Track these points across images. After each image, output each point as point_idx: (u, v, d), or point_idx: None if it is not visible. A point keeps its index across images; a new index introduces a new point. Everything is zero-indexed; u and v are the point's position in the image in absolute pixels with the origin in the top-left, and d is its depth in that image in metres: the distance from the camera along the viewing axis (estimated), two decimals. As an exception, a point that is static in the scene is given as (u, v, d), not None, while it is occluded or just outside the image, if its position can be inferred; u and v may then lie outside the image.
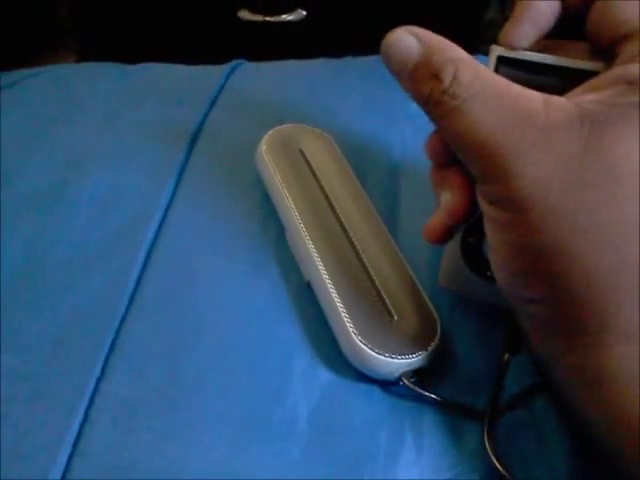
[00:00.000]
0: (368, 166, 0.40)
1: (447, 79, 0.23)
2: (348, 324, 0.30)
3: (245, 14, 1.04)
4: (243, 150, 0.39)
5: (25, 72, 0.52)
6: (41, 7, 1.38)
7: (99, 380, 0.30)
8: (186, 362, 0.30)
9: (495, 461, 0.26)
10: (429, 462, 0.27)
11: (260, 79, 0.49)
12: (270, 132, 0.38)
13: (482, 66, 0.24)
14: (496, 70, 0.28)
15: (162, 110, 0.44)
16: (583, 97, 0.23)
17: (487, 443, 0.27)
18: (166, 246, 0.35)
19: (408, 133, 0.43)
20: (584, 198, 0.22)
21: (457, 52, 0.24)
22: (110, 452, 0.28)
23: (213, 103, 0.44)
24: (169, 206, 0.37)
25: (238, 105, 0.45)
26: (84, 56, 1.24)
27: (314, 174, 0.36)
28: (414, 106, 0.44)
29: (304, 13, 1.05)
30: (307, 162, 0.37)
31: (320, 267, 0.31)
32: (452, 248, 0.30)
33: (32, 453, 0.28)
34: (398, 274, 0.32)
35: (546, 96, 0.23)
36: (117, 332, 0.31)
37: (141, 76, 0.49)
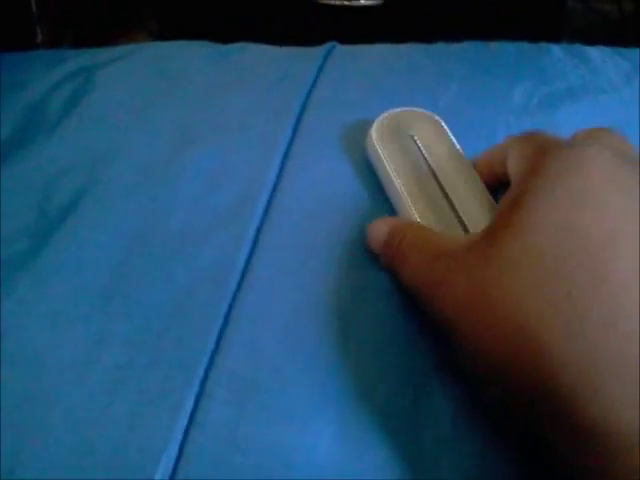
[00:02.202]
0: (467, 150, 0.39)
1: (395, 243, 0.31)
2: None
3: (324, -2, 1.04)
4: (350, 131, 0.39)
5: (120, 49, 0.53)
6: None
7: (214, 353, 0.30)
8: (301, 339, 0.30)
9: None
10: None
11: (357, 61, 0.49)
12: (379, 119, 0.38)
13: (429, 229, 0.31)
14: None
15: (264, 88, 0.44)
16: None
17: None
18: (276, 222, 0.35)
19: (512, 120, 0.42)
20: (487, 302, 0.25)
21: (413, 223, 0.33)
22: (225, 427, 0.28)
23: (314, 84, 0.44)
24: (277, 183, 0.37)
25: (339, 86, 0.45)
26: (160, 36, 1.26)
27: (426, 161, 0.36)
28: (517, 93, 0.45)
29: (383, -2, 1.05)
30: (419, 148, 0.36)
31: None
32: None
33: (151, 422, 0.28)
34: None
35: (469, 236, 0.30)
36: (230, 306, 0.32)
37: (239, 55, 0.50)
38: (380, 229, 0.32)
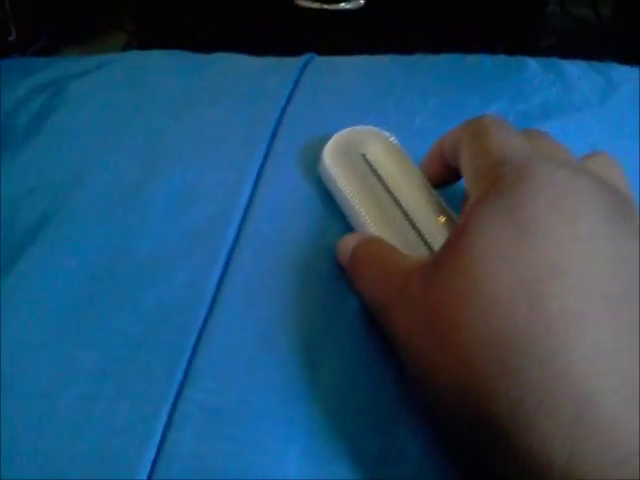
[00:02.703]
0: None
1: (355, 257, 0.31)
2: None
3: (303, 2, 1.03)
4: (323, 149, 0.39)
5: (93, 60, 0.52)
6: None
7: (182, 385, 0.30)
8: (272, 368, 0.30)
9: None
10: None
11: (334, 75, 0.49)
12: (330, 141, 0.37)
13: (385, 243, 0.31)
14: None
15: (239, 104, 0.44)
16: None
17: None
18: (247, 246, 0.35)
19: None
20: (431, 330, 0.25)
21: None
22: (194, 459, 0.28)
23: (289, 100, 0.44)
24: (249, 204, 0.36)
25: (314, 103, 0.44)
26: (137, 37, 1.24)
27: (380, 179, 0.35)
28: (492, 110, 0.45)
29: (362, 2, 1.04)
30: (371, 167, 0.36)
31: None
32: None
33: (117, 454, 0.28)
34: None
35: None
36: (199, 334, 0.31)
37: (214, 68, 0.49)
38: (347, 244, 0.32)
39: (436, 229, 0.33)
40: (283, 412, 0.29)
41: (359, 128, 0.38)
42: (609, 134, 0.42)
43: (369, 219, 0.33)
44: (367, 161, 0.36)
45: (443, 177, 0.34)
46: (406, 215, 0.34)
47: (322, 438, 0.28)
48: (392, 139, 0.38)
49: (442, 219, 0.33)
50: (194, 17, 1.12)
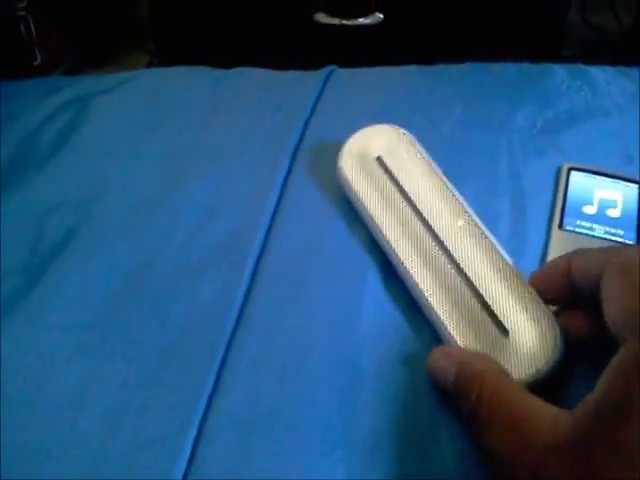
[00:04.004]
0: (469, 175, 0.38)
1: (472, 398, 0.26)
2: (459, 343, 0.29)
3: (322, 17, 1.04)
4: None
5: (117, 77, 0.52)
6: (118, 7, 1.40)
7: (211, 396, 0.29)
8: (300, 378, 0.29)
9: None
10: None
11: (357, 86, 0.48)
12: (346, 145, 0.37)
13: (504, 379, 0.27)
14: None
15: (261, 116, 0.44)
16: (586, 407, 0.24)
17: None
18: (273, 256, 0.34)
19: (515, 143, 0.41)
20: None
21: (485, 364, 0.28)
22: (224, 472, 0.27)
23: (313, 110, 0.44)
24: (274, 215, 0.36)
25: (338, 114, 0.44)
26: (159, 57, 1.25)
27: (397, 183, 0.35)
28: (520, 116, 0.44)
29: (381, 16, 1.04)
30: (389, 172, 0.35)
31: (423, 289, 0.31)
32: None
33: (147, 467, 0.27)
34: (506, 283, 0.30)
35: (558, 413, 0.24)
36: (228, 346, 0.31)
37: (237, 81, 0.49)
38: (443, 366, 0.29)
39: (454, 232, 0.32)
40: (318, 422, 0.28)
41: (375, 126, 0.38)
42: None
43: (388, 230, 0.33)
44: (382, 164, 0.36)
45: (560, 294, 0.30)
46: (424, 220, 0.33)
47: (359, 449, 0.27)
48: (409, 136, 0.37)
49: (460, 222, 0.33)
50: (214, 34, 1.13)
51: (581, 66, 0.50)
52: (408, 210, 0.34)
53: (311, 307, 0.32)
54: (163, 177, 0.39)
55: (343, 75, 0.50)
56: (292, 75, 0.50)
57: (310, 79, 0.48)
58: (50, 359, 0.31)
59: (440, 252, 0.32)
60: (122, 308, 0.33)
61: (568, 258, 0.29)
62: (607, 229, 0.36)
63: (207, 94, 0.47)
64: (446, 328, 0.29)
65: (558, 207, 0.37)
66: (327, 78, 0.48)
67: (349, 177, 0.35)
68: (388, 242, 0.33)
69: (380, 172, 0.36)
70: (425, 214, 0.33)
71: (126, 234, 0.36)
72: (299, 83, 0.48)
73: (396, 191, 0.35)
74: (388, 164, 0.36)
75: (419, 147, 0.37)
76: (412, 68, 0.52)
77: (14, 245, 0.36)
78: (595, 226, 0.36)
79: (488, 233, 0.32)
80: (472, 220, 0.33)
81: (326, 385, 0.29)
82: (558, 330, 0.28)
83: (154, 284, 0.34)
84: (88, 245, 0.36)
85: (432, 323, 0.30)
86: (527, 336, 0.28)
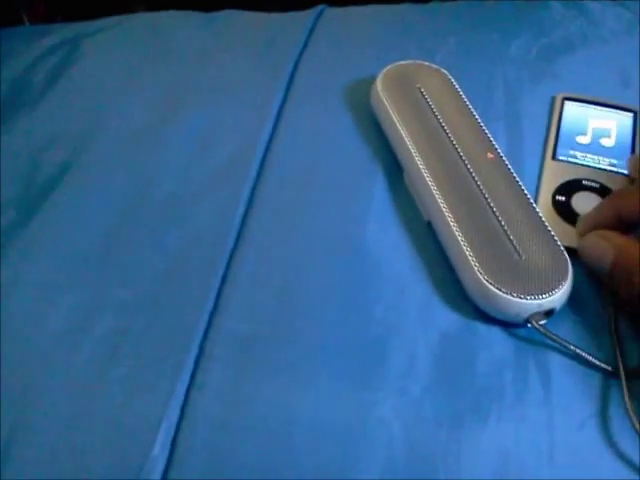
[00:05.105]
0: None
1: (636, 280, 0.26)
2: (473, 263, 0.28)
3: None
4: (343, 88, 0.38)
5: (106, 20, 0.52)
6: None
7: (212, 314, 0.29)
8: (299, 295, 0.29)
9: (636, 422, 0.25)
10: (559, 403, 0.26)
11: (349, 21, 0.47)
12: (384, 70, 0.37)
13: None
14: None
15: (254, 51, 0.43)
16: None
17: (628, 402, 0.25)
18: (270, 180, 0.34)
19: (510, 71, 0.41)
20: None
21: None
22: (227, 385, 0.27)
23: (306, 44, 0.43)
24: (270, 141, 0.36)
25: (331, 46, 0.43)
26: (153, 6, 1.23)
27: (433, 112, 0.35)
28: (514, 45, 0.43)
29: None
30: (425, 100, 0.36)
31: (442, 205, 0.30)
32: None
33: (150, 386, 0.27)
34: (525, 212, 0.30)
35: None
36: (227, 265, 0.31)
37: (227, 22, 0.48)
38: (599, 249, 0.29)
39: (482, 162, 0.32)
40: (316, 337, 0.28)
41: (416, 61, 0.38)
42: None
43: (415, 146, 0.33)
44: (421, 93, 0.36)
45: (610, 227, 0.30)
46: (455, 149, 0.33)
47: (352, 362, 0.27)
48: (449, 76, 0.38)
49: (491, 155, 0.33)
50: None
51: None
52: (441, 132, 0.34)
53: (312, 226, 0.32)
54: (158, 109, 0.39)
55: (334, 12, 0.49)
56: (282, 15, 0.50)
57: (301, 17, 0.48)
58: (49, 287, 0.31)
59: (466, 174, 0.32)
60: (120, 236, 0.33)
61: (612, 204, 0.30)
62: (601, 158, 0.35)
63: (198, 33, 0.46)
64: (461, 244, 0.29)
65: (552, 137, 0.36)
66: (318, 16, 0.48)
67: (385, 94, 0.36)
68: (414, 158, 0.33)
69: (418, 96, 0.36)
70: (456, 142, 0.34)
71: (122, 165, 0.36)
72: (290, 20, 0.48)
73: (432, 116, 0.35)
74: (425, 94, 0.36)
75: (457, 86, 0.37)
76: (405, 6, 0.51)
77: (10, 180, 0.36)
78: (589, 156, 0.36)
79: (513, 171, 0.33)
80: (501, 157, 0.33)
81: (326, 300, 0.29)
82: (568, 259, 0.29)
83: (152, 212, 0.33)
84: (84, 176, 0.36)
85: (444, 242, 0.30)
86: (540, 261, 0.28)
